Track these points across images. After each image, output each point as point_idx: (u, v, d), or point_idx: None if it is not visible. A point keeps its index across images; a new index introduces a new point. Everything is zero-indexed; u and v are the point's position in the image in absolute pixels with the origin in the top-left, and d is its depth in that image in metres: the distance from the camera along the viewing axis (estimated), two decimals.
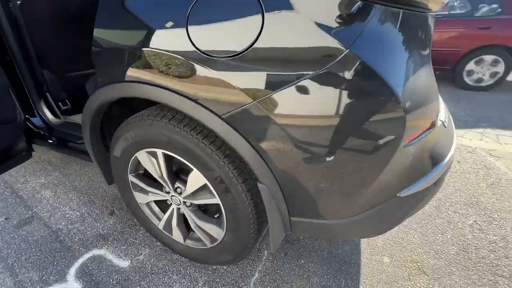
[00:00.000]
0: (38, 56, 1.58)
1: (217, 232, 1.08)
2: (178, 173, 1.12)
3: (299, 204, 0.88)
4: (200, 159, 0.91)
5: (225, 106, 0.75)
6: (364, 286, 1.20)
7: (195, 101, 0.77)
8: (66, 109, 1.81)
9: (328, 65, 0.63)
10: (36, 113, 1.60)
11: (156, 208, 1.29)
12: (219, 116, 0.76)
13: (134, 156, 1.09)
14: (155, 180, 1.24)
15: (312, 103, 0.68)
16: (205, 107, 0.77)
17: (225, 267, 1.29)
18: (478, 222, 1.53)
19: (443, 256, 1.33)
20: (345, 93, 0.65)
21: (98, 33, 0.91)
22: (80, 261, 1.32)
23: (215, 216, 1.09)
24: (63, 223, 1.55)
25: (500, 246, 1.38)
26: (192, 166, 0.96)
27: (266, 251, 1.37)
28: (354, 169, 0.75)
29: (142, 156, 1.06)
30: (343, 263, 1.31)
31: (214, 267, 1.29)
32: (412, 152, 0.75)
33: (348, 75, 0.63)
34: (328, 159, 0.74)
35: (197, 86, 0.76)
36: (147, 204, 1.28)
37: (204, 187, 0.99)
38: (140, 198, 1.24)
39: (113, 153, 1.14)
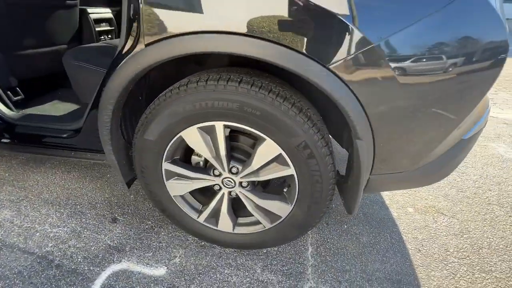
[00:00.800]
0: None
1: (282, 208, 0.99)
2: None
3: (384, 160, 0.87)
4: (280, 125, 0.80)
5: (335, 52, 0.67)
6: (405, 235, 1.29)
7: (298, 51, 0.67)
8: (18, 100, 1.38)
9: (451, 1, 0.63)
10: None
11: (193, 200, 1.11)
12: (326, 67, 0.68)
13: (177, 136, 0.90)
14: (190, 164, 1.07)
15: (430, 45, 0.66)
16: (310, 57, 0.67)
17: (275, 249, 1.20)
18: (460, 168, 1.83)
19: (449, 198, 1.54)
20: (466, 32, 0.65)
21: None
22: (99, 282, 1.05)
23: (284, 191, 1.00)
24: (50, 245, 1.19)
25: (481, 183, 1.68)
26: (264, 136, 0.84)
27: None
28: (450, 114, 0.78)
29: (191, 134, 0.88)
30: (379, 220, 1.38)
31: (265, 251, 1.19)
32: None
33: (469, 11, 0.64)
34: (432, 105, 0.74)
35: (301, 32, 0.66)
36: (183, 196, 1.08)
37: (275, 159, 0.89)
38: (176, 189, 1.04)
39: (143, 136, 0.92)
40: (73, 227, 1.28)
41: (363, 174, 0.84)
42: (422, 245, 1.25)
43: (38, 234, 1.24)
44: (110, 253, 1.16)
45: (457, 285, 1.07)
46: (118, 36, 1.97)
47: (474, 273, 1.12)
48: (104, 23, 1.85)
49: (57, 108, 1.46)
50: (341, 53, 0.67)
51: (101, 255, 1.15)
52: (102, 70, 1.10)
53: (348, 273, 1.11)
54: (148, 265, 1.11)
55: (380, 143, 0.82)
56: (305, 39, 0.67)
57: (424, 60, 0.67)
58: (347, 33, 0.65)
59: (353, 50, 0.66)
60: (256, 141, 1.00)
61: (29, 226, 1.28)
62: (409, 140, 0.82)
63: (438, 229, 1.34)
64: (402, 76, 0.68)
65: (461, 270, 1.13)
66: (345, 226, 1.34)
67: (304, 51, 0.68)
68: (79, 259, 1.13)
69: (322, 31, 0.66)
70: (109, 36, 1.90)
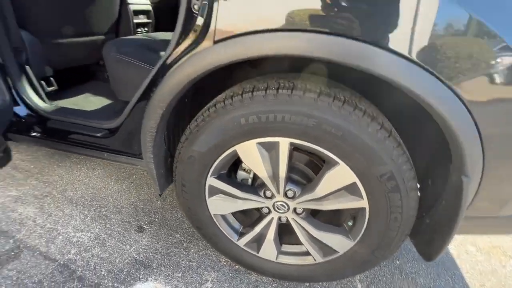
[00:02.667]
0: (14, 9, 1.05)
1: (342, 244, 0.84)
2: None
3: (483, 201, 0.71)
4: (364, 150, 0.65)
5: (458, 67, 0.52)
6: (470, 281, 1.10)
7: (413, 61, 0.52)
8: (51, 92, 1.29)
9: None
10: (16, 95, 1.08)
11: (234, 220, 0.98)
12: (445, 82, 0.53)
13: (231, 149, 0.77)
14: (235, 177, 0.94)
15: None
16: (427, 70, 0.52)
17: (320, 283, 1.05)
18: None
19: None
20: None
21: None
22: None
23: (349, 224, 0.85)
24: (72, 251, 1.09)
25: None
26: (338, 160, 0.70)
27: None
28: None
29: (249, 149, 0.75)
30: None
31: (308, 284, 1.05)
32: None
33: None
34: None
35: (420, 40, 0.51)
36: (224, 216, 0.96)
37: (345, 188, 0.74)
38: (219, 207, 0.91)
39: (191, 147, 0.79)
40: (97, 233, 1.18)
41: (461, 217, 0.68)
42: None
43: (60, 237, 1.15)
44: (136, 268, 1.05)
45: None
46: (154, 30, 1.89)
47: None
48: (142, 15, 1.77)
49: (89, 101, 1.37)
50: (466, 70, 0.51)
51: (126, 270, 1.04)
52: (148, 66, 0.99)
53: None
54: None
55: (487, 182, 0.66)
56: (423, 47, 0.52)
57: None
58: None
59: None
60: (319, 162, 0.86)
61: (51, 228, 1.19)
62: None
63: (509, 277, 1.14)
64: None
65: None
66: (398, 262, 1.17)
67: (420, 62, 0.53)
68: (103, 272, 1.02)
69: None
70: (146, 29, 1.82)
